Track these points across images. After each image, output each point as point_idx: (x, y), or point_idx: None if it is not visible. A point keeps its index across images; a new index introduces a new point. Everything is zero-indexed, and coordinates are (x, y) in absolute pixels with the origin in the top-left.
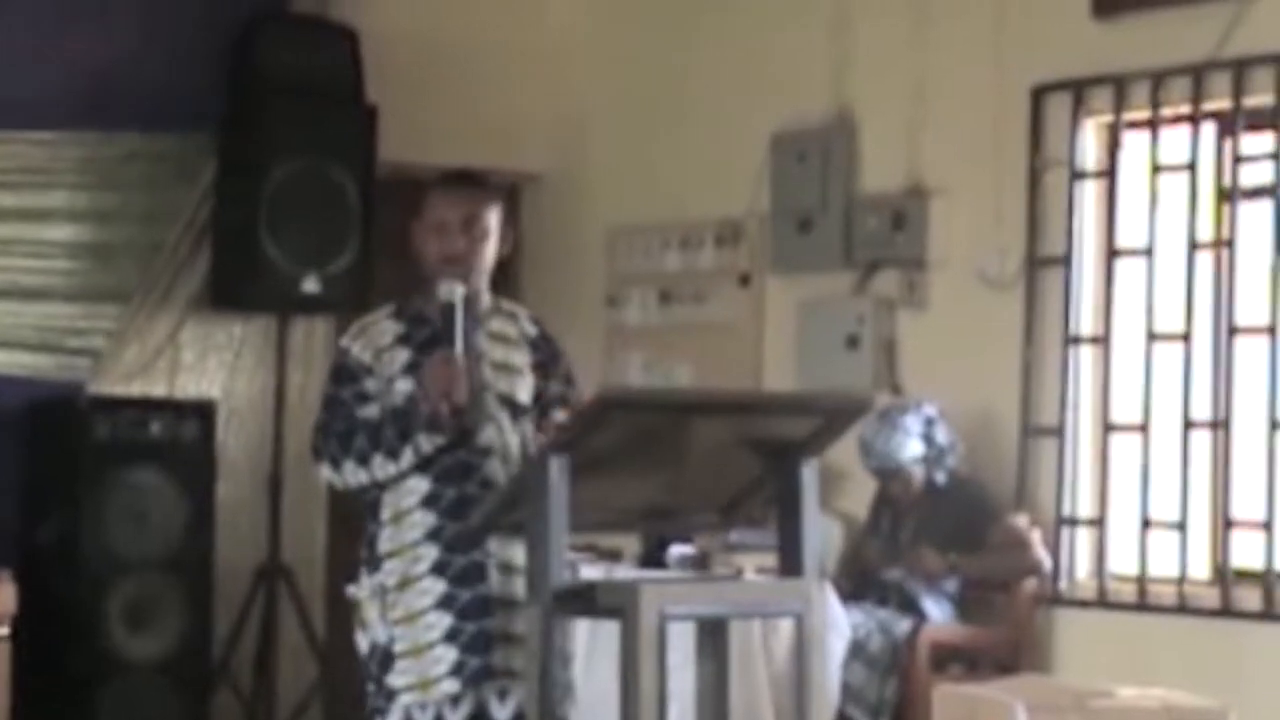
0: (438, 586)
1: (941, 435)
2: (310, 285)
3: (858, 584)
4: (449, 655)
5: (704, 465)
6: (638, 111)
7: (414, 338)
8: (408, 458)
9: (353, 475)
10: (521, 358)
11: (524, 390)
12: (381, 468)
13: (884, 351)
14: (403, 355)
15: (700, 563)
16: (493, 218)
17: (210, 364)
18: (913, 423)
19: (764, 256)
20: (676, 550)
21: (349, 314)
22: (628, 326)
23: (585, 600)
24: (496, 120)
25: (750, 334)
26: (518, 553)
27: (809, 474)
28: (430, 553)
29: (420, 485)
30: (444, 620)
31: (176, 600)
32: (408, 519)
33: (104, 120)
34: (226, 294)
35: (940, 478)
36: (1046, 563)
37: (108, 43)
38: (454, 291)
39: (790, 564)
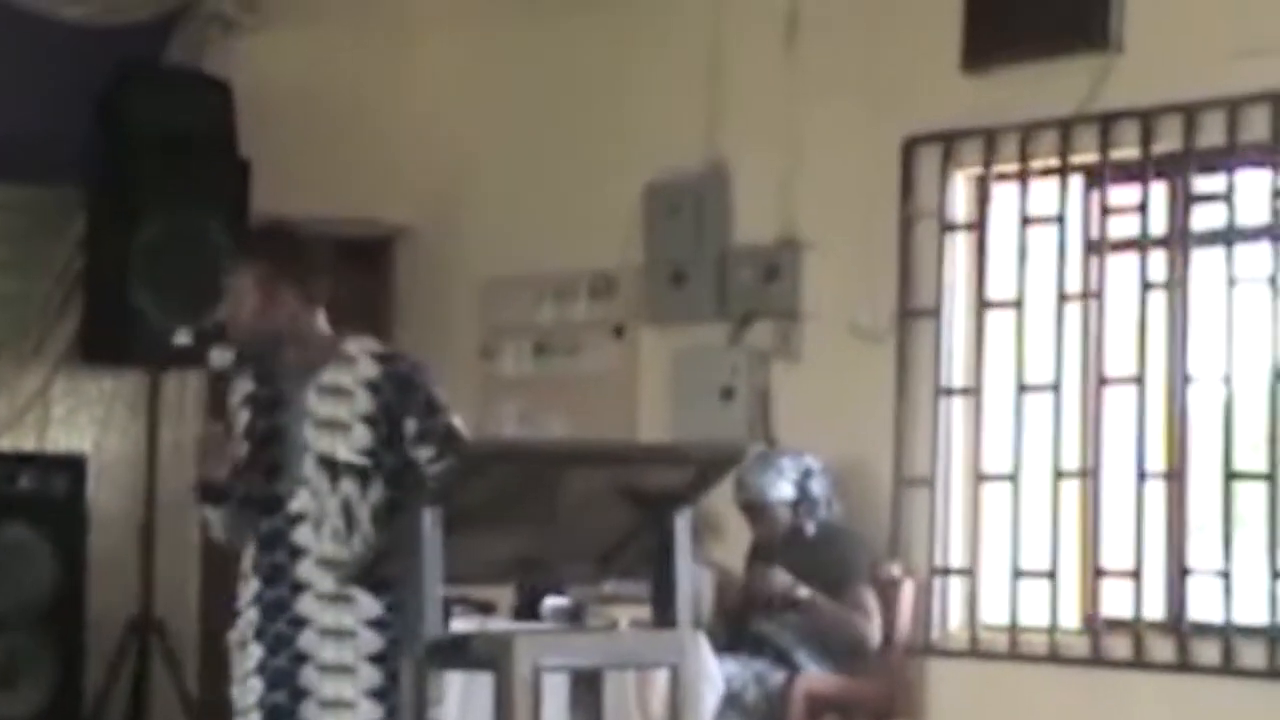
0: (257, 651)
1: (817, 487)
2: (182, 339)
3: (732, 635)
4: None
5: (578, 516)
6: (511, 164)
7: (257, 397)
8: (214, 526)
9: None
10: (351, 409)
11: (345, 447)
12: (216, 531)
13: (758, 402)
14: (245, 416)
15: (575, 615)
16: (238, 281)
17: (81, 418)
18: (789, 466)
19: (638, 308)
20: (551, 602)
21: None
22: (502, 378)
23: (459, 652)
24: (370, 173)
25: (625, 385)
26: (343, 616)
27: (682, 524)
28: (253, 617)
29: (251, 550)
30: (258, 685)
31: (47, 656)
32: (248, 580)
33: None
34: (98, 347)
35: (810, 528)
36: (873, 640)
37: None
38: (223, 358)
39: (664, 615)
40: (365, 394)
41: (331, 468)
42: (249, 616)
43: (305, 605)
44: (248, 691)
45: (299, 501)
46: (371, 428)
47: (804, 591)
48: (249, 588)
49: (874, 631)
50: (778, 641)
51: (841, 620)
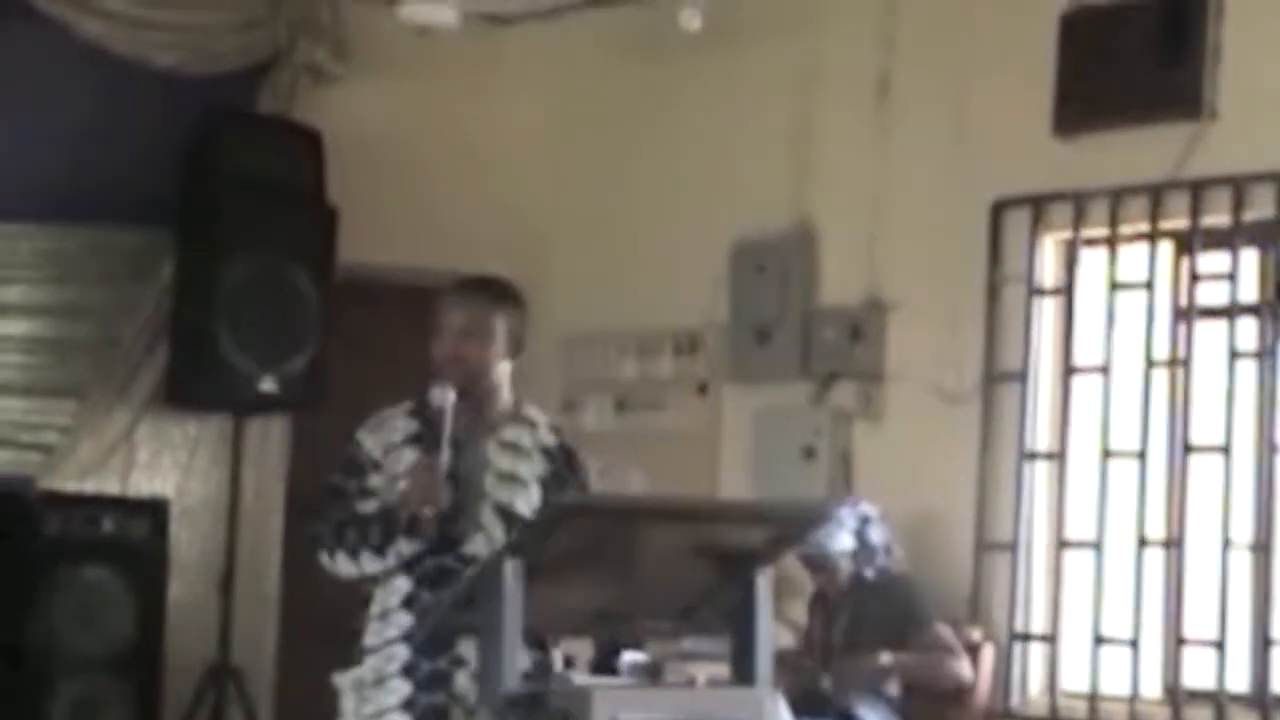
0: (404, 688)
1: (875, 535)
2: (267, 385)
3: (803, 697)
4: None
5: (658, 572)
6: (597, 218)
7: (425, 438)
8: (391, 557)
9: (345, 566)
10: (529, 468)
11: (524, 502)
12: (370, 563)
13: (840, 463)
14: (410, 455)
15: (653, 670)
16: (492, 323)
17: (164, 462)
18: (847, 517)
19: (722, 366)
20: (629, 657)
21: (305, 414)
22: (584, 433)
23: (538, 705)
24: (456, 224)
25: (707, 443)
26: None
27: (763, 583)
28: (402, 653)
29: (403, 585)
30: None
31: (124, 700)
32: (390, 617)
33: (63, 214)
34: (182, 392)
35: (870, 574)
36: (967, 674)
37: (69, 136)
38: (445, 396)
39: (743, 672)
40: (541, 458)
41: (508, 518)
42: (393, 653)
43: (465, 647)
44: None
45: (475, 545)
46: (544, 490)
47: (886, 659)
48: (392, 624)
49: (966, 667)
50: (838, 699)
51: (932, 669)
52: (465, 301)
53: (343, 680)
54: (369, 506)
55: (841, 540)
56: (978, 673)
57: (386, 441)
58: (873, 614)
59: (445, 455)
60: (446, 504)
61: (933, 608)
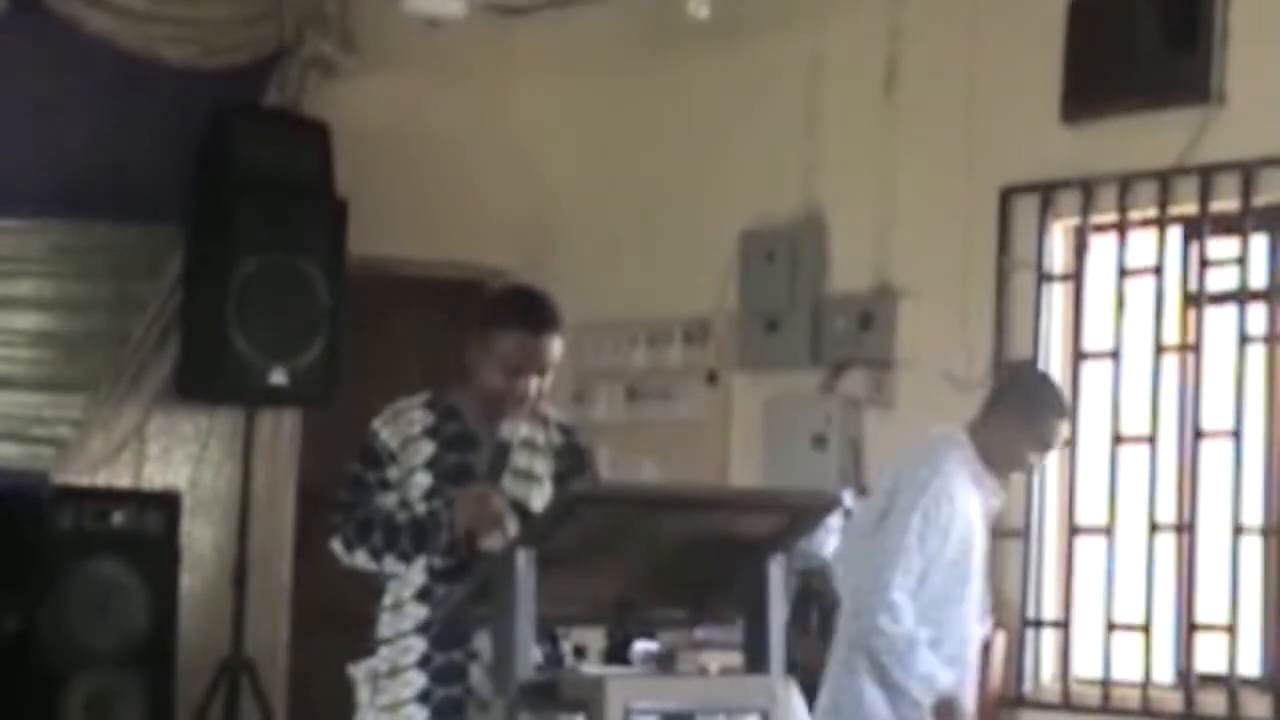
0: (419, 680)
1: None
2: (278, 378)
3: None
4: None
5: (670, 561)
6: (606, 208)
7: (441, 431)
8: (418, 566)
9: (363, 562)
10: (543, 467)
11: (539, 498)
12: (391, 566)
13: (850, 451)
14: (427, 448)
15: (665, 660)
16: (553, 354)
17: (176, 455)
18: (833, 519)
19: (731, 354)
20: (641, 647)
21: (316, 407)
22: (594, 423)
23: (551, 694)
24: (465, 215)
25: (717, 432)
26: None
27: (775, 570)
28: (418, 645)
29: (417, 579)
30: (420, 714)
31: (137, 694)
32: (405, 609)
33: (73, 210)
34: (193, 385)
35: None
36: (985, 629)
37: (80, 133)
38: (515, 431)
39: (756, 660)
40: (551, 457)
41: (523, 515)
42: (408, 644)
43: (481, 640)
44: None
45: (492, 540)
46: (557, 487)
47: None
48: (407, 616)
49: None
50: None
51: None
52: (538, 340)
53: (357, 671)
54: (389, 501)
55: (831, 543)
56: (990, 660)
57: (403, 434)
58: None
59: (422, 448)
60: (489, 534)
61: None
